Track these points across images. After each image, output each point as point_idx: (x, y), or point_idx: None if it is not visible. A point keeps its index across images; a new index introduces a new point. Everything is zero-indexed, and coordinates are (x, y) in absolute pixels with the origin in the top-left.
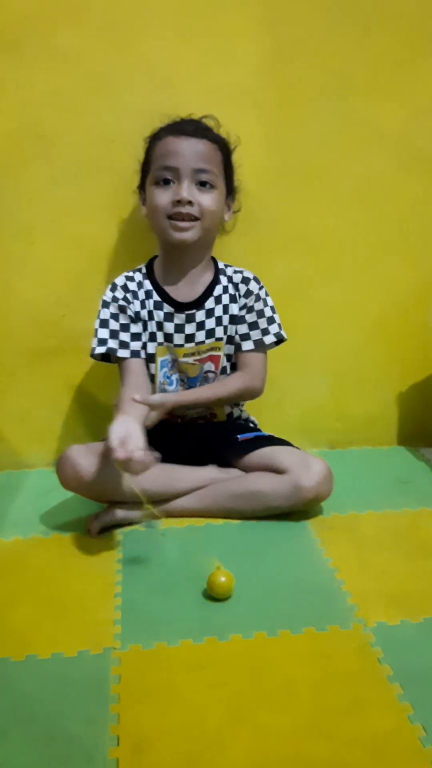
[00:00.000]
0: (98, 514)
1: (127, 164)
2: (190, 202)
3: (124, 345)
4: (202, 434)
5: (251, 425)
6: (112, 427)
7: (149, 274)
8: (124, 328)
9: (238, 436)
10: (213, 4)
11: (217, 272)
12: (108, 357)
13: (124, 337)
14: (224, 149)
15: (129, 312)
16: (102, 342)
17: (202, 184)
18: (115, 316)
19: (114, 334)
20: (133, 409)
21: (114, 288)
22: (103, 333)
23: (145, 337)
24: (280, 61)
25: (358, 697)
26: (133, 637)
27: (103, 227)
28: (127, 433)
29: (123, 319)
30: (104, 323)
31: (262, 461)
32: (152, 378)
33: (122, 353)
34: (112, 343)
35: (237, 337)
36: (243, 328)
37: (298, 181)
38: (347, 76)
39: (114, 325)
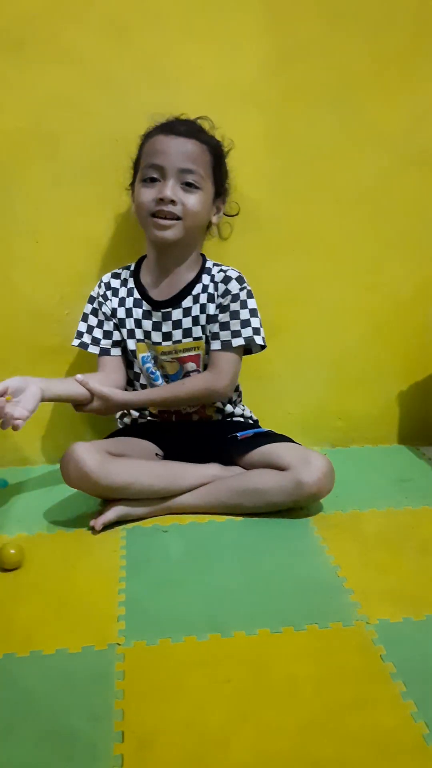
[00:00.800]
0: (102, 510)
1: (131, 164)
2: (173, 201)
3: (95, 341)
4: (202, 433)
5: (251, 422)
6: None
7: (135, 272)
8: (100, 324)
9: (238, 434)
10: (217, 5)
11: (202, 271)
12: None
13: (97, 333)
14: (215, 151)
15: (105, 309)
16: (78, 335)
17: (188, 184)
18: (95, 312)
19: (89, 330)
20: (64, 383)
21: (100, 284)
22: (82, 326)
23: (119, 335)
24: (284, 62)
25: (361, 694)
26: (137, 633)
27: (107, 226)
28: (18, 387)
29: (100, 316)
30: (84, 317)
31: (264, 458)
32: (138, 374)
33: (92, 349)
34: (86, 338)
35: (210, 336)
36: (214, 327)
37: (301, 181)
38: (350, 77)
39: (92, 320)
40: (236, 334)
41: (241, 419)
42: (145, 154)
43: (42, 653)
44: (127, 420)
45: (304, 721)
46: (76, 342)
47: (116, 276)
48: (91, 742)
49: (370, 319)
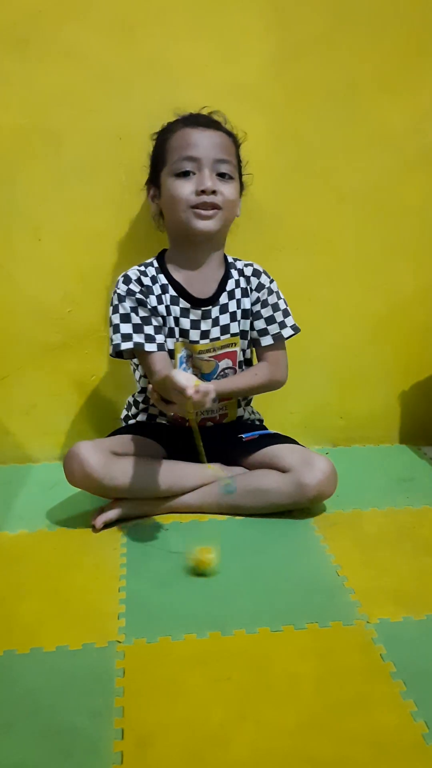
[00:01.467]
0: (103, 508)
1: (135, 161)
2: (214, 192)
3: (149, 339)
4: (208, 435)
5: (257, 423)
6: (172, 374)
7: (163, 268)
8: (146, 321)
9: (242, 436)
10: (221, 3)
11: (228, 266)
12: (122, 353)
13: (149, 330)
14: (236, 142)
15: (148, 305)
16: (126, 337)
17: (222, 174)
18: (134, 310)
19: (138, 329)
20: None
21: (128, 281)
22: (126, 328)
23: (164, 332)
24: (288, 61)
25: (361, 693)
26: (138, 630)
27: (110, 224)
28: (187, 377)
29: (143, 312)
30: (125, 317)
31: (266, 460)
32: None
33: (149, 347)
34: (138, 338)
35: (254, 333)
36: (260, 324)
37: (304, 180)
38: (354, 76)
39: (135, 319)
40: (282, 325)
41: (248, 421)
42: (173, 148)
43: (43, 650)
44: (131, 420)
45: (303, 719)
46: (127, 345)
47: (143, 273)
48: (91, 740)
49: (373, 318)
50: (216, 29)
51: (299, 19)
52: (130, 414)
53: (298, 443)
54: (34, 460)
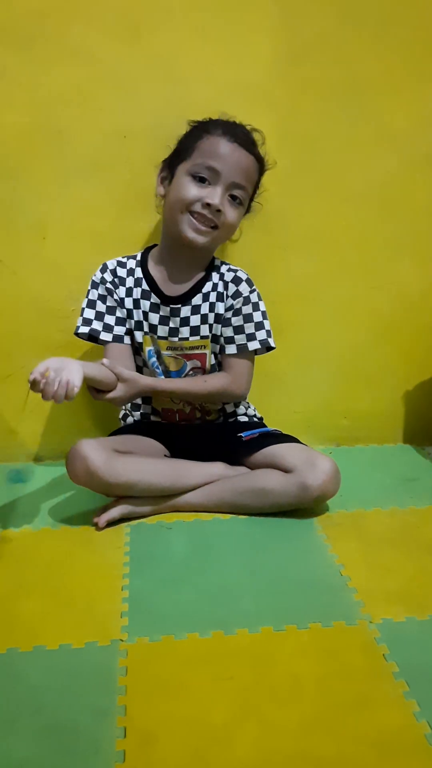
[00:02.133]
0: (106, 506)
1: (139, 160)
2: (218, 210)
3: (107, 328)
4: (207, 434)
5: (255, 420)
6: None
7: (143, 262)
8: (110, 311)
9: (242, 435)
10: (227, 3)
11: (211, 269)
12: (94, 338)
13: (109, 320)
14: (261, 170)
15: (115, 296)
16: (86, 322)
17: (234, 197)
18: (102, 298)
19: (99, 316)
20: (95, 366)
21: (104, 269)
22: (89, 313)
23: (129, 324)
24: (294, 61)
25: (363, 693)
26: (140, 629)
27: (115, 223)
28: (61, 365)
29: (110, 302)
30: (91, 303)
31: (269, 460)
32: (140, 368)
33: (105, 336)
34: (96, 325)
35: (222, 339)
36: (228, 331)
37: (309, 179)
38: (360, 75)
39: (101, 306)
40: (251, 337)
41: (246, 418)
42: (202, 151)
43: (45, 648)
44: (130, 420)
45: (306, 719)
46: (84, 329)
47: (122, 265)
48: (93, 738)
49: (377, 318)
50: (221, 28)
51: (304, 19)
52: (127, 411)
53: (299, 441)
54: (38, 458)
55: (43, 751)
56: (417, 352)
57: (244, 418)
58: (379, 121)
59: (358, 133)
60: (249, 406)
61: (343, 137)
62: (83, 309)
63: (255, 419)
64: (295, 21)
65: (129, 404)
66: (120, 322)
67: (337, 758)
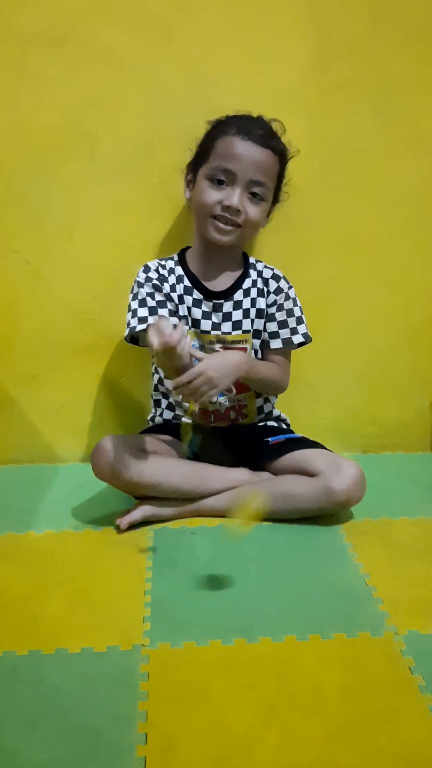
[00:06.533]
0: (129, 509)
1: (168, 163)
2: (238, 210)
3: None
4: (233, 437)
5: (284, 425)
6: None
7: (181, 261)
8: (162, 304)
9: (269, 439)
10: (258, 4)
11: (247, 266)
12: (138, 339)
13: (163, 312)
14: (282, 160)
15: (163, 291)
16: (143, 320)
17: (254, 194)
18: (151, 295)
19: (153, 311)
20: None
21: (147, 269)
22: (143, 312)
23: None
24: (325, 62)
25: (388, 705)
26: (163, 635)
27: (143, 226)
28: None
29: (159, 296)
30: (143, 302)
31: (293, 464)
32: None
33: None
34: (153, 320)
35: (265, 334)
36: (272, 326)
37: (340, 182)
38: (392, 78)
39: (152, 302)
40: (294, 331)
41: (275, 423)
42: (217, 154)
43: (68, 651)
44: (159, 420)
45: (329, 730)
46: (142, 327)
47: (161, 265)
48: (114, 743)
49: (406, 324)
50: (252, 31)
51: (335, 21)
52: (156, 414)
53: (325, 448)
54: (62, 460)
55: (64, 754)
56: None
57: (273, 423)
58: (411, 123)
59: (389, 135)
60: (279, 412)
61: (374, 140)
62: (135, 310)
63: (284, 425)
64: (326, 23)
65: (163, 404)
66: (173, 314)
67: None
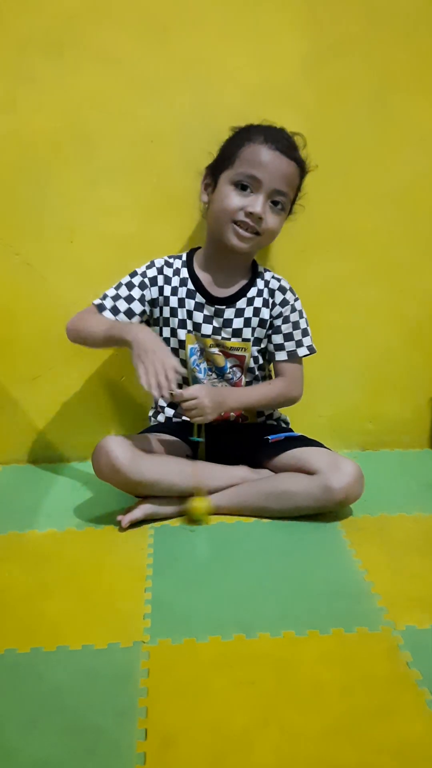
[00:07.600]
0: (130, 507)
1: (166, 164)
2: (260, 218)
3: (114, 311)
4: (233, 435)
5: (283, 425)
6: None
7: (188, 263)
8: (129, 299)
9: (269, 437)
10: (255, 4)
11: (255, 275)
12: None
13: (121, 305)
14: (303, 173)
15: (146, 292)
16: (102, 296)
17: (275, 203)
18: (130, 286)
19: (116, 297)
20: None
21: (150, 266)
22: (111, 291)
23: (137, 321)
24: (321, 61)
25: (386, 701)
26: (163, 631)
27: (142, 227)
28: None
29: (135, 293)
30: (118, 285)
31: (293, 462)
32: (184, 364)
33: (107, 315)
34: (107, 302)
35: (271, 346)
36: (278, 338)
37: (339, 181)
38: (389, 76)
39: (124, 291)
40: (300, 344)
41: (275, 422)
42: (244, 159)
43: (68, 648)
44: (161, 418)
45: (327, 726)
46: (96, 301)
47: (168, 265)
48: (114, 739)
49: (404, 322)
50: (249, 31)
51: (333, 20)
52: (157, 409)
53: (324, 446)
54: (63, 459)
55: (64, 751)
56: None
57: (273, 422)
58: (408, 122)
59: (386, 134)
60: (279, 413)
61: (372, 138)
62: (116, 294)
63: (283, 423)
64: (323, 22)
65: (163, 402)
66: (129, 313)
67: (358, 766)
